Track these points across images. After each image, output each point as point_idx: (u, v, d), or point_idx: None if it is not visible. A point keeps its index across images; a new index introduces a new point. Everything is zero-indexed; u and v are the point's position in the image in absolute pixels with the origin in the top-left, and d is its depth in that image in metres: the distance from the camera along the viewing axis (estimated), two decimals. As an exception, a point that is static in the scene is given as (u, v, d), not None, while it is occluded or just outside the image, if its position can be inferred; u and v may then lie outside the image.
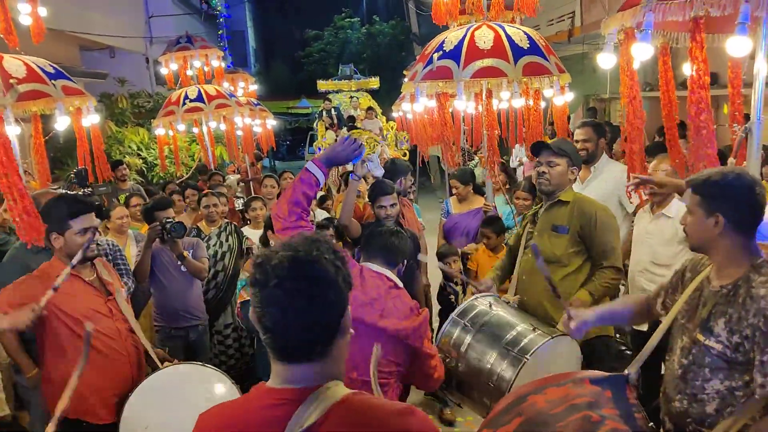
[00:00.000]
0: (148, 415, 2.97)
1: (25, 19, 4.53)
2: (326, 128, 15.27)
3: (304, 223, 2.77)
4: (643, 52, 2.78)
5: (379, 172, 3.73)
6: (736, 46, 2.46)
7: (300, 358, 1.40)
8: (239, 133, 9.33)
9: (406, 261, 3.08)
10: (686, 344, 2.30)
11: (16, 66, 4.22)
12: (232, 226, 5.19)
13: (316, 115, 17.43)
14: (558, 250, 3.45)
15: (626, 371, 2.30)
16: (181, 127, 8.14)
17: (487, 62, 4.34)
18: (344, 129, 14.48)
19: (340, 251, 1.44)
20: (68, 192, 4.24)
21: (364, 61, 25.62)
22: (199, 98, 7.97)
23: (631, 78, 2.96)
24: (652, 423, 2.32)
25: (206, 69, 8.81)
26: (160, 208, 4.46)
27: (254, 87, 12.75)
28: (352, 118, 15.47)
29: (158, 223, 4.25)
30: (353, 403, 1.39)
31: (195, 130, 8.77)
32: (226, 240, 5.05)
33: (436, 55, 4.63)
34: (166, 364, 3.22)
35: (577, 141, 4.52)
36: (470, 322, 3.21)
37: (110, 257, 4.07)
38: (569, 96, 5.09)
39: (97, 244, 3.25)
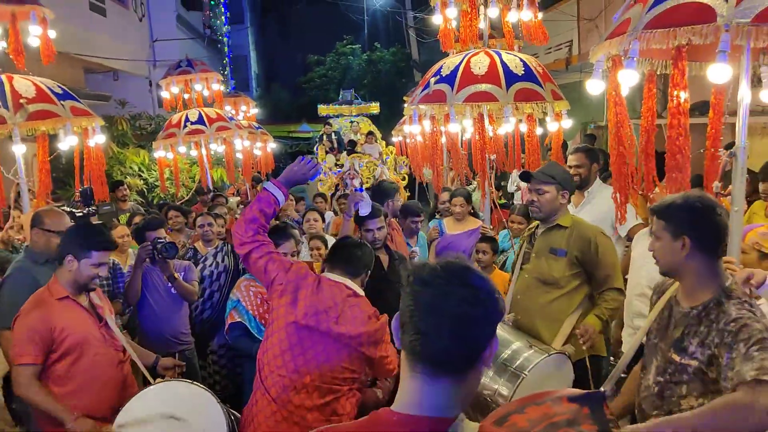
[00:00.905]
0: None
1: (33, 41, 4.64)
2: (326, 152, 15.31)
3: (260, 237, 2.88)
4: (629, 78, 2.86)
5: (366, 211, 3.93)
6: (717, 73, 2.54)
7: (442, 369, 1.33)
8: (239, 155, 9.43)
9: (369, 272, 3.12)
10: (661, 363, 2.35)
11: (26, 86, 4.33)
12: (229, 246, 5.19)
13: (317, 139, 17.51)
14: (556, 273, 3.51)
15: (602, 388, 2.37)
16: (182, 149, 8.23)
17: (481, 87, 4.45)
18: (344, 153, 14.55)
19: None
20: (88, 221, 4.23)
21: (365, 87, 25.82)
22: (200, 121, 8.07)
23: (619, 104, 3.03)
24: None
25: (206, 93, 8.93)
26: (151, 228, 4.44)
27: (255, 111, 12.89)
28: (352, 143, 15.53)
29: (149, 243, 4.22)
30: None
31: (194, 153, 8.86)
32: (222, 260, 5.07)
33: (433, 80, 4.76)
34: (158, 380, 3.08)
35: (570, 166, 4.60)
36: None
37: (110, 274, 4.10)
38: (567, 123, 5.18)
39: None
